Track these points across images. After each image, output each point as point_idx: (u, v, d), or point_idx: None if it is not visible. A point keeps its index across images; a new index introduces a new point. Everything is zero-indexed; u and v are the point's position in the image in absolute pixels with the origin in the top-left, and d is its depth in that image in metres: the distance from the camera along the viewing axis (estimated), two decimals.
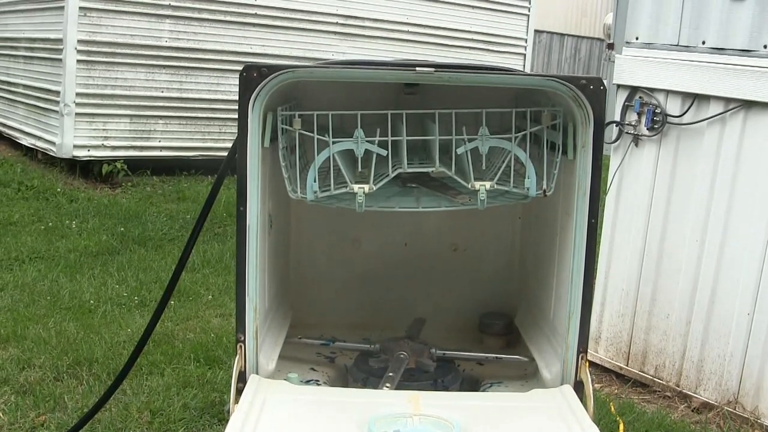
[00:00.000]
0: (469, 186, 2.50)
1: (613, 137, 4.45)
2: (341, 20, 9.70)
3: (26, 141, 9.27)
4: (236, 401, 2.27)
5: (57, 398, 3.79)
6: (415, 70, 2.32)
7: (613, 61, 4.53)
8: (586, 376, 2.44)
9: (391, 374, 2.66)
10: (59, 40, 8.31)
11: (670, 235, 4.24)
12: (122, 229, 6.93)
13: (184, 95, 8.92)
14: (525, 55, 11.16)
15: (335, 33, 9.69)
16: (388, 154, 2.50)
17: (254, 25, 9.16)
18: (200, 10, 8.82)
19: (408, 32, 10.19)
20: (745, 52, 3.88)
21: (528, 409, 2.33)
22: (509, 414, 2.28)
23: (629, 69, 4.33)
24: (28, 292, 5.27)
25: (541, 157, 2.54)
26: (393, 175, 2.51)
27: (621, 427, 3.52)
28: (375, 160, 2.55)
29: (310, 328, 3.21)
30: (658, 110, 4.22)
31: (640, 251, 4.36)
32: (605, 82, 2.40)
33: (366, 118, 2.50)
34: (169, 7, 8.64)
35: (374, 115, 2.58)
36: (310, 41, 9.51)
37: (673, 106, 4.18)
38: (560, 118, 2.53)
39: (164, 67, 8.74)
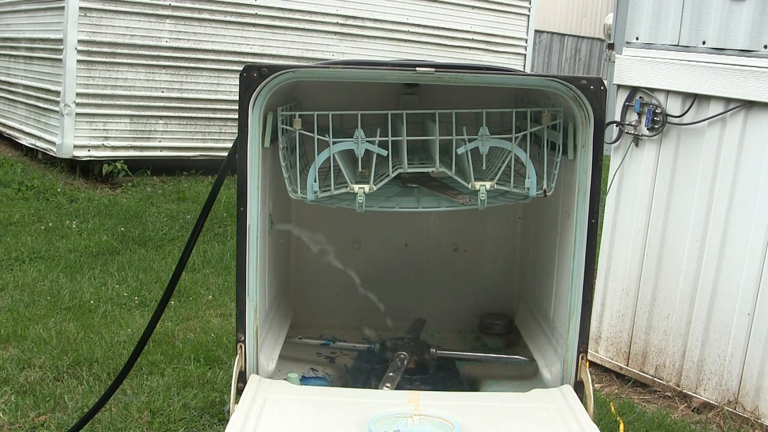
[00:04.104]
0: (470, 186, 2.50)
1: (614, 137, 4.45)
2: (341, 20, 9.70)
3: (26, 141, 9.28)
4: (236, 401, 2.27)
5: (57, 398, 3.79)
6: (415, 70, 2.32)
7: (614, 62, 4.52)
8: (586, 376, 2.44)
9: (391, 374, 2.66)
10: (59, 40, 8.31)
11: (670, 235, 4.24)
12: (122, 229, 6.93)
13: (184, 95, 8.92)
14: (525, 55, 11.16)
15: (335, 33, 9.69)
16: (388, 154, 2.50)
17: (254, 25, 9.16)
18: (200, 11, 8.82)
19: (408, 32, 10.19)
20: (745, 52, 3.88)
21: (528, 409, 2.33)
22: (509, 414, 2.28)
23: (629, 69, 4.33)
24: (29, 292, 5.27)
25: (541, 157, 2.54)
26: (393, 175, 2.51)
27: (621, 427, 3.52)
28: (375, 160, 2.55)
29: (311, 328, 3.21)
30: (658, 110, 4.22)
31: (640, 251, 4.36)
32: (605, 82, 2.40)
33: (366, 119, 2.50)
34: (169, 7, 8.64)
35: (374, 116, 2.58)
36: (310, 41, 9.51)
37: (673, 107, 4.18)
38: (560, 118, 2.53)
39: (164, 67, 8.75)
